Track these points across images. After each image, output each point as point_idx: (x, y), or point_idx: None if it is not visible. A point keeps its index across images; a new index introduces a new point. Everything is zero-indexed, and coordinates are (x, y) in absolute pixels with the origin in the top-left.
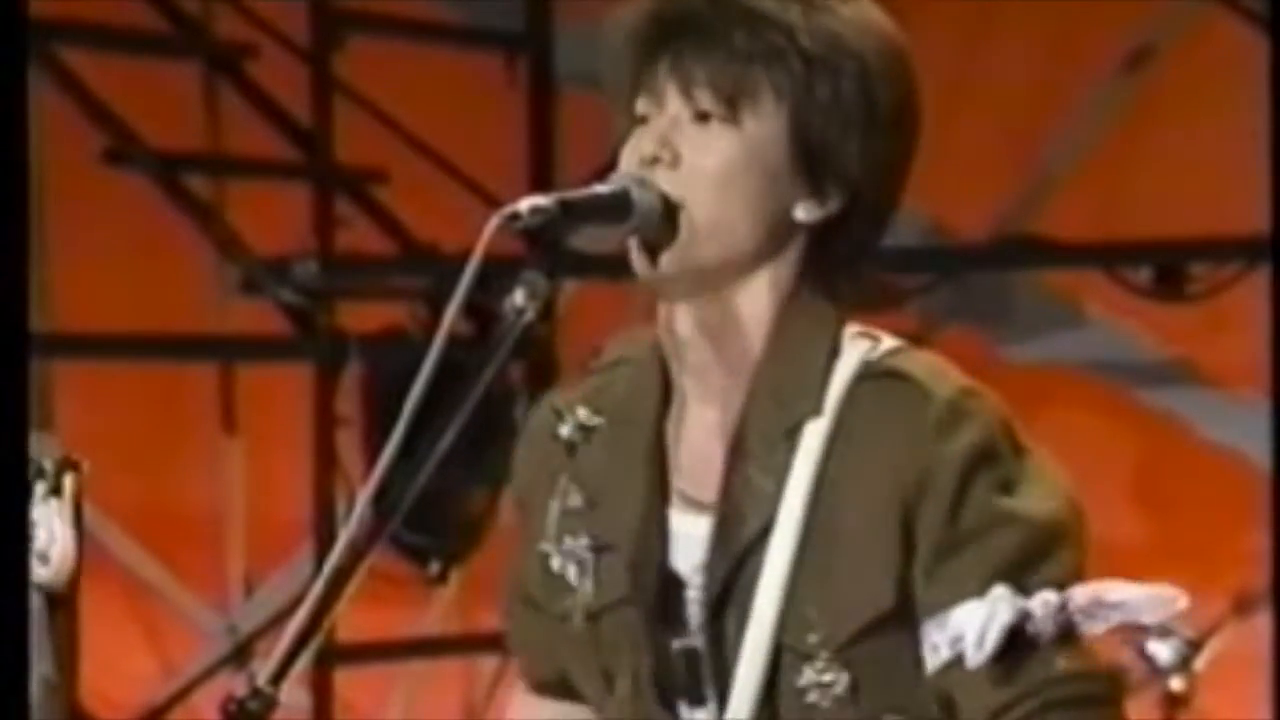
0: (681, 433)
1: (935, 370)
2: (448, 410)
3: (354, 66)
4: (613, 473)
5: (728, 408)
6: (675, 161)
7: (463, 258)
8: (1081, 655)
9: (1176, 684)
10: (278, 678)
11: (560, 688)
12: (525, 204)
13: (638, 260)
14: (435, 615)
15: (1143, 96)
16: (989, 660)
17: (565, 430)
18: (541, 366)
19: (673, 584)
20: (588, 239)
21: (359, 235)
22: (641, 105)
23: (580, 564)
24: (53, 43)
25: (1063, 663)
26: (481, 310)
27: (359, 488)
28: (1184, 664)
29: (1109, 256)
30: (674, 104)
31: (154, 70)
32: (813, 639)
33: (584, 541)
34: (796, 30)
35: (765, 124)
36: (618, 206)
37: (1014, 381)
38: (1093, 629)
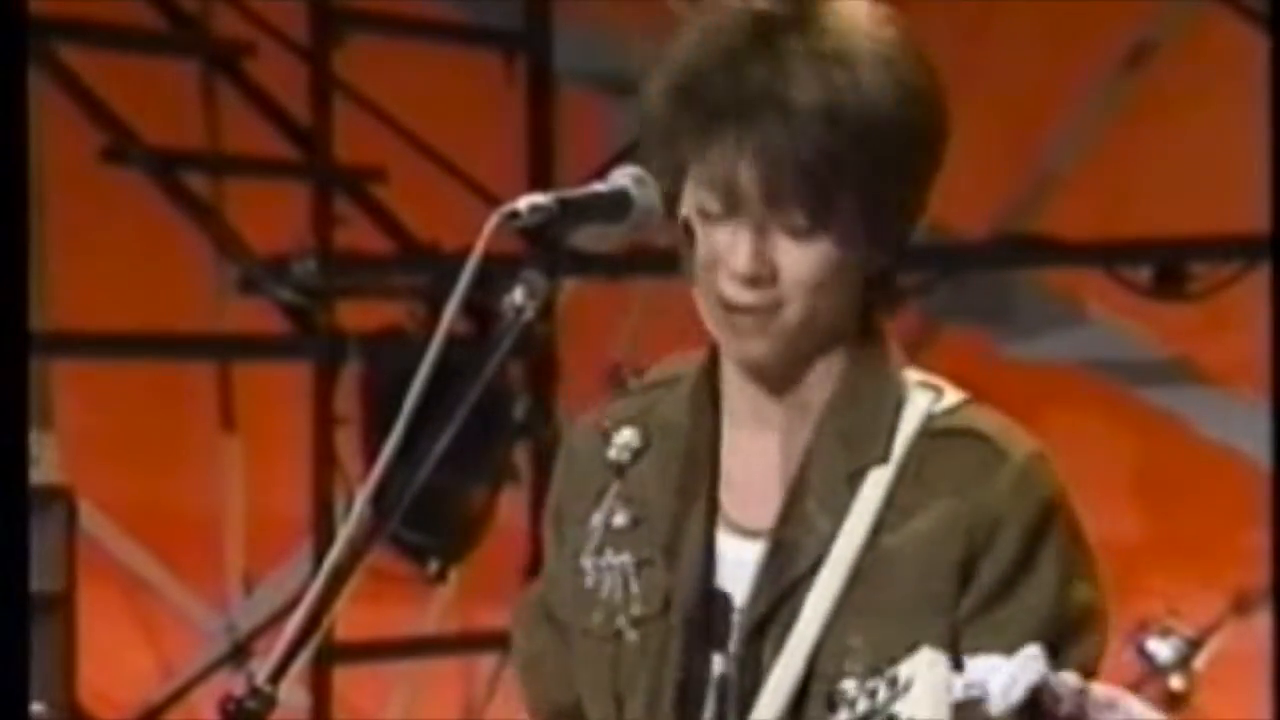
0: (736, 458)
1: (1007, 430)
2: (447, 409)
3: (353, 65)
4: (660, 492)
5: (787, 441)
6: (774, 278)
7: (462, 256)
8: None
9: (1176, 682)
10: (276, 676)
11: (572, 716)
12: (524, 202)
13: (727, 340)
14: (434, 614)
15: (1143, 95)
16: (1009, 713)
17: (612, 452)
18: (541, 366)
19: (718, 603)
20: (587, 238)
21: (358, 234)
22: (709, 201)
23: (618, 578)
24: (51, 41)
25: None
26: (481, 309)
27: (358, 487)
28: (1183, 662)
29: (1109, 255)
30: (755, 208)
31: (153, 68)
32: (850, 667)
33: (625, 557)
34: (862, 115)
35: (847, 219)
36: (617, 205)
37: (1014, 380)
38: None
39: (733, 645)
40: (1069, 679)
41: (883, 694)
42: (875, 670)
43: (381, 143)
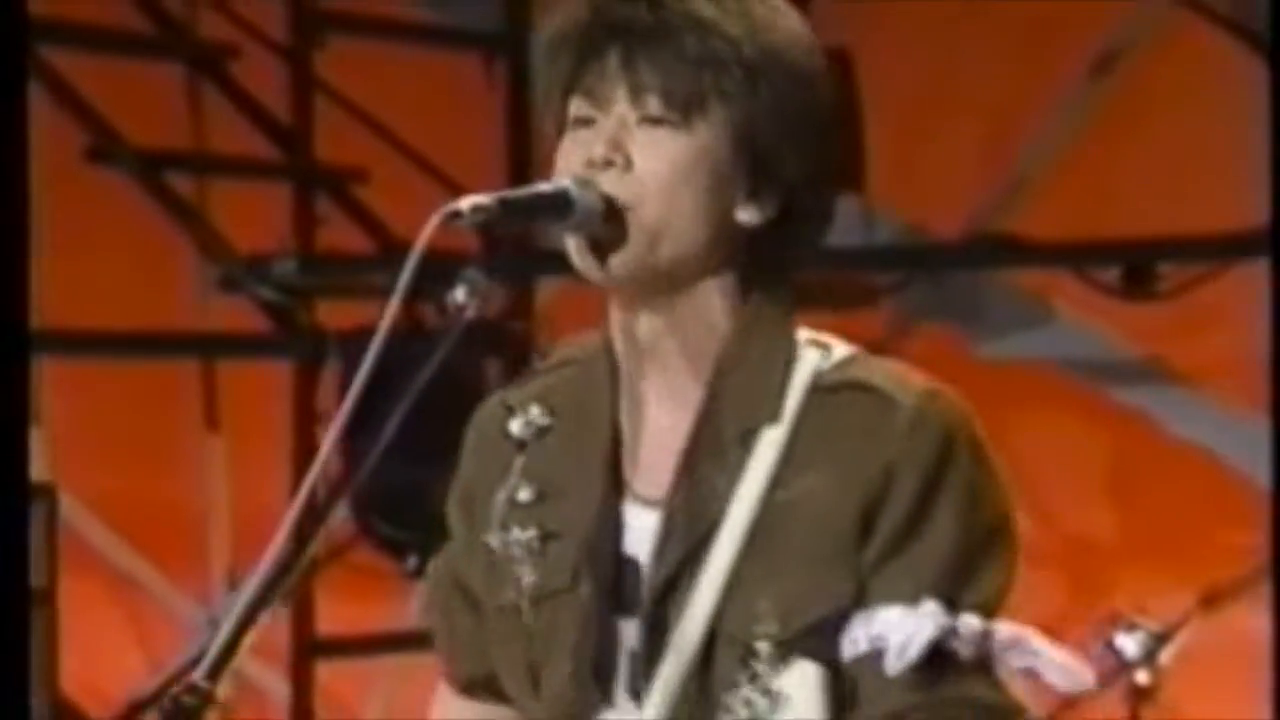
0: (638, 432)
1: (896, 376)
2: (402, 403)
3: (334, 66)
4: (566, 468)
5: (684, 411)
6: (626, 165)
7: (441, 256)
8: (994, 686)
9: (1142, 677)
10: (215, 673)
11: (488, 687)
12: (466, 202)
13: (584, 262)
14: (414, 609)
15: (1114, 99)
16: (906, 668)
17: (516, 427)
18: (518, 364)
19: (628, 571)
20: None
21: (338, 234)
22: (581, 107)
23: (526, 553)
24: (36, 42)
25: (975, 688)
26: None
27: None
28: (1150, 658)
29: (1081, 256)
30: (621, 106)
31: (137, 70)
32: (760, 630)
33: (532, 532)
34: (741, 41)
35: (712, 128)
36: (558, 205)
37: (986, 379)
38: (1006, 664)
39: (641, 612)
40: (972, 623)
41: (761, 705)
42: (754, 677)
43: (362, 144)
